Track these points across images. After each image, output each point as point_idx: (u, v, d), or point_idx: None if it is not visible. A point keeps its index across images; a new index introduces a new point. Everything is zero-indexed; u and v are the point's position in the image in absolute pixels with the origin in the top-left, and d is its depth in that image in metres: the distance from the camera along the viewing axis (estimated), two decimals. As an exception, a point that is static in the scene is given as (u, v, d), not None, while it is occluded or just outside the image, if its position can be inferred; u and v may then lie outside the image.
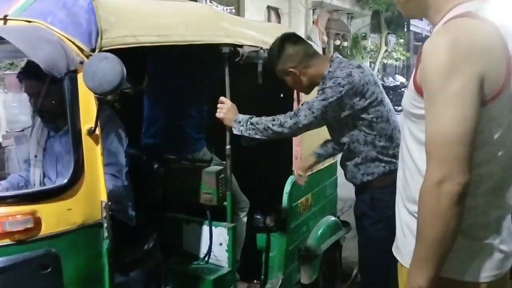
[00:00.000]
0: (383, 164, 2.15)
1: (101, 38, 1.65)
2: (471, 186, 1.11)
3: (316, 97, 2.09)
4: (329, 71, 2.14)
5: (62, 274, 1.57)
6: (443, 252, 1.11)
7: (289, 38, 2.23)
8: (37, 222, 1.52)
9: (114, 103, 3.01)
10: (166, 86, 2.67)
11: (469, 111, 1.04)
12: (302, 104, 2.15)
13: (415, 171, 1.24)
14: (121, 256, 2.08)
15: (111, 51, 1.62)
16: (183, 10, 2.17)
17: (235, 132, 2.19)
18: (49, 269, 1.55)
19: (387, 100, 2.18)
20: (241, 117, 2.19)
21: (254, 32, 2.48)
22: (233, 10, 12.83)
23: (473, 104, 1.04)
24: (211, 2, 11.89)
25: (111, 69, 1.51)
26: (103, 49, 1.65)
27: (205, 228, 2.43)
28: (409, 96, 1.23)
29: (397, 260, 1.41)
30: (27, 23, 1.68)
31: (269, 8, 14.66)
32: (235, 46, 2.27)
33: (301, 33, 14.37)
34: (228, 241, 2.36)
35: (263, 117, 2.17)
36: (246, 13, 13.46)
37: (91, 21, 1.64)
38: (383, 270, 2.13)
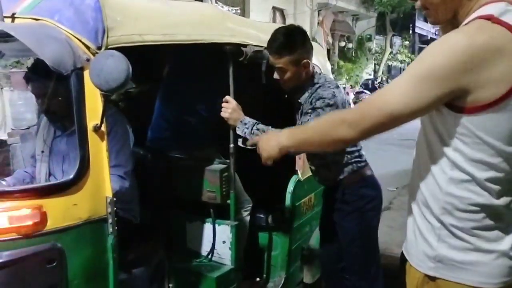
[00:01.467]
0: (351, 165, 2.31)
1: (107, 36, 1.67)
2: (482, 190, 1.15)
3: (310, 115, 2.16)
4: (311, 86, 2.24)
5: (67, 269, 1.59)
6: (307, 146, 1.60)
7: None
8: (43, 217, 1.54)
9: (118, 102, 3.04)
10: (179, 85, 2.69)
11: (418, 104, 1.10)
12: (310, 115, 2.17)
13: (429, 176, 1.26)
14: (125, 253, 2.10)
15: (117, 49, 1.64)
16: (189, 9, 2.19)
17: (238, 132, 2.22)
18: (55, 263, 1.57)
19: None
20: (248, 119, 2.21)
21: (258, 32, 2.49)
22: (239, 11, 12.88)
23: (428, 102, 1.10)
24: (216, 3, 11.94)
25: (117, 67, 1.53)
26: (109, 47, 1.67)
27: (209, 226, 2.45)
28: None
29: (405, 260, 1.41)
30: (34, 21, 1.70)
31: (274, 9, 14.69)
32: (239, 45, 2.29)
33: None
34: (231, 239, 2.38)
35: (270, 127, 2.19)
36: (252, 14, 13.50)
37: (97, 19, 1.65)
38: (363, 254, 2.36)
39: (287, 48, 2.14)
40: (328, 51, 15.96)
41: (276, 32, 2.18)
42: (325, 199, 2.51)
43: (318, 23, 15.94)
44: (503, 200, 1.19)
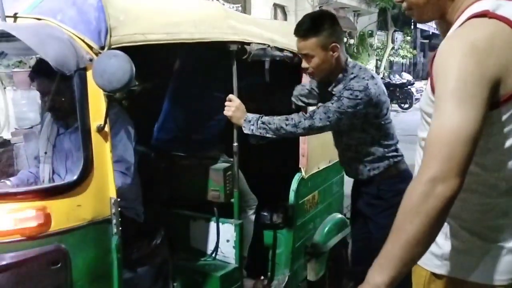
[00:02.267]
0: (387, 159, 2.26)
1: (110, 36, 1.66)
2: (489, 188, 1.13)
3: (332, 103, 2.08)
4: (344, 75, 2.16)
5: (71, 270, 1.59)
6: (413, 254, 1.04)
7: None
8: (47, 218, 1.54)
9: (121, 101, 3.03)
10: (186, 86, 2.67)
11: (479, 114, 1.01)
12: (318, 107, 2.14)
13: None
14: (129, 252, 2.10)
15: (121, 49, 1.63)
16: (191, 8, 2.18)
17: (245, 131, 2.18)
18: (59, 265, 1.56)
19: (388, 101, 2.25)
20: (251, 116, 2.17)
21: (261, 29, 2.48)
22: (240, 8, 12.83)
23: (483, 108, 1.01)
24: (218, 0, 11.89)
25: (120, 67, 1.51)
26: (112, 46, 1.66)
27: (213, 225, 2.45)
28: (425, 97, 1.21)
29: None
30: (37, 20, 1.69)
31: (275, 5, 14.64)
32: (242, 43, 2.28)
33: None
34: (235, 238, 2.37)
35: (275, 117, 2.15)
36: (253, 11, 13.44)
37: (100, 19, 1.65)
38: None
39: (313, 30, 2.05)
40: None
41: (304, 16, 2.15)
42: (357, 194, 2.41)
43: (319, 19, 15.92)
44: (506, 199, 1.17)
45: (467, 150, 0.99)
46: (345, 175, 2.62)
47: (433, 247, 1.22)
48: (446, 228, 1.23)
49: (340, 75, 2.17)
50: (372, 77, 2.13)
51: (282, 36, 2.60)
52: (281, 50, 2.55)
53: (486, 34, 1.03)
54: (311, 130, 2.14)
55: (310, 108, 2.42)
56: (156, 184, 2.50)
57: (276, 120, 2.13)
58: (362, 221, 2.41)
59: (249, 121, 2.16)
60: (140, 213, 2.29)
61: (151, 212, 2.42)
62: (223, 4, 12.18)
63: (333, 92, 2.18)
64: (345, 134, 2.27)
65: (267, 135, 2.15)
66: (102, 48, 1.65)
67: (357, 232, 2.54)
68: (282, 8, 14.90)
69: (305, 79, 2.57)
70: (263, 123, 2.14)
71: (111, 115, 1.77)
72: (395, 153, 2.26)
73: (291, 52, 2.60)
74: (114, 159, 1.82)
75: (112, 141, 1.78)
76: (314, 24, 2.07)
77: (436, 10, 1.20)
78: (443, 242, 1.24)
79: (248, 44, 2.30)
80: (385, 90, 2.20)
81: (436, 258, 1.25)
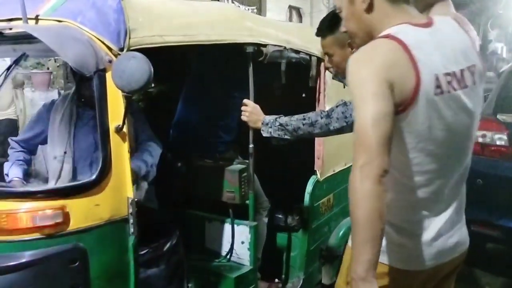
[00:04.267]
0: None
1: (129, 38, 1.68)
2: (402, 186, 1.31)
3: (351, 102, 1.99)
4: None
5: (89, 268, 1.61)
6: (373, 233, 1.15)
7: None
8: (66, 217, 1.56)
9: (138, 102, 3.06)
10: (201, 88, 2.67)
11: (384, 107, 1.17)
12: (337, 106, 2.06)
13: None
14: (145, 252, 2.12)
15: (139, 50, 1.65)
16: (208, 10, 2.19)
17: (264, 134, 2.11)
18: (77, 263, 1.58)
19: None
20: (268, 118, 2.10)
21: (277, 31, 2.48)
22: (255, 10, 12.85)
23: (386, 100, 1.18)
24: (233, 2, 11.93)
25: (139, 68, 1.53)
26: (131, 48, 1.68)
27: (227, 226, 2.45)
28: None
29: None
30: (57, 22, 1.71)
31: (290, 7, 14.62)
32: (259, 45, 2.28)
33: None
34: (250, 240, 2.37)
35: (293, 116, 2.09)
36: (268, 13, 13.45)
37: (119, 21, 1.66)
38: None
39: (329, 28, 2.03)
40: (345, 49, 15.82)
41: (325, 15, 2.11)
42: None
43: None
44: (426, 195, 1.34)
45: (377, 131, 1.16)
46: None
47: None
48: None
49: None
50: None
51: (298, 38, 2.60)
52: (297, 52, 2.54)
53: (382, 50, 1.24)
54: (329, 131, 2.05)
55: (328, 107, 2.39)
56: (172, 184, 2.52)
57: (294, 121, 2.06)
58: None
59: (267, 124, 2.09)
60: (154, 202, 2.33)
61: (167, 213, 2.44)
62: (239, 6, 12.23)
63: None
64: None
65: (285, 137, 2.08)
66: (121, 49, 1.67)
67: None
68: (298, 10, 14.88)
69: (328, 77, 2.57)
70: (280, 124, 2.07)
71: (131, 113, 1.83)
72: None
73: (307, 54, 2.60)
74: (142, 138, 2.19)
75: (138, 134, 2.07)
76: (330, 23, 2.04)
77: (367, 36, 1.36)
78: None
79: (265, 46, 2.30)
80: None
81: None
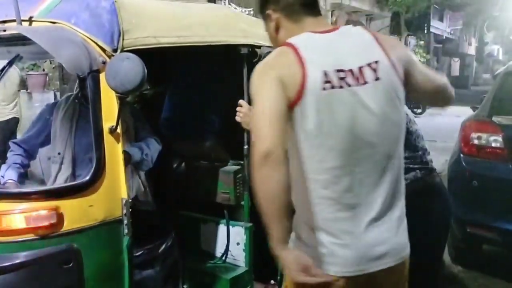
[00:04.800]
0: (413, 171, 2.12)
1: (123, 39, 1.69)
2: (320, 184, 1.32)
3: None
4: None
5: (83, 269, 1.61)
6: (274, 212, 1.25)
7: None
8: (60, 218, 1.57)
9: (133, 104, 3.06)
10: (191, 88, 2.69)
11: (273, 100, 1.29)
12: None
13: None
14: (139, 253, 2.12)
15: (133, 51, 1.65)
16: (202, 11, 2.20)
17: None
18: (71, 264, 1.59)
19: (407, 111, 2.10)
20: None
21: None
22: (252, 12, 12.88)
23: (276, 97, 1.29)
24: (230, 4, 11.95)
25: (133, 69, 1.54)
26: (125, 49, 1.69)
27: (223, 228, 2.45)
28: None
29: None
30: (51, 24, 1.72)
31: (287, 10, 14.64)
32: (253, 47, 2.29)
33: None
34: (245, 241, 2.38)
35: None
36: (265, 15, 13.45)
37: (113, 22, 1.68)
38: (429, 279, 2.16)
39: None
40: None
41: None
42: None
43: (331, 23, 15.89)
44: (338, 195, 1.33)
45: (266, 122, 1.27)
46: None
47: (292, 242, 1.40)
48: (295, 224, 1.38)
49: None
50: None
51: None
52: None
53: (275, 54, 1.38)
54: None
55: None
56: (167, 185, 2.52)
57: None
58: None
59: None
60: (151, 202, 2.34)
61: (163, 214, 2.44)
62: (235, 9, 12.24)
63: None
64: None
65: None
66: (115, 50, 1.68)
67: None
68: (294, 13, 14.91)
69: None
70: None
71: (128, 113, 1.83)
72: (420, 166, 2.12)
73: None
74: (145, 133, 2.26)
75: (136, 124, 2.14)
76: None
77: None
78: (293, 238, 1.40)
79: (259, 47, 2.31)
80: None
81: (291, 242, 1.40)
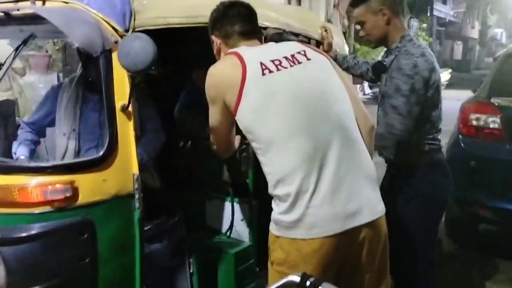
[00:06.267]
0: (423, 145, 2.21)
1: (134, 19, 1.74)
2: (282, 152, 1.53)
3: (393, 99, 2.10)
4: (398, 46, 2.20)
5: (97, 241, 1.69)
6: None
7: None
8: (75, 191, 1.64)
9: (140, 83, 3.11)
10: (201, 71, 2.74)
11: (217, 111, 1.65)
12: (383, 111, 2.17)
13: None
14: (148, 228, 2.20)
15: (143, 31, 1.70)
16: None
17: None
18: (86, 235, 1.66)
19: (438, 82, 2.21)
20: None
21: (277, 14, 2.52)
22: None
23: (218, 108, 1.64)
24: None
25: (144, 49, 1.60)
26: (136, 29, 1.74)
27: (228, 205, 2.52)
28: None
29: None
30: (65, 4, 1.77)
31: (289, -9, 14.52)
32: (260, 28, 2.32)
33: (322, 17, 14.22)
34: (249, 217, 2.45)
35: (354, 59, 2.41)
36: (267, -4, 13.33)
37: (125, 3, 1.72)
38: (423, 249, 2.23)
39: None
40: (344, 33, 15.76)
41: None
42: (388, 178, 2.38)
43: (334, 5, 15.75)
44: (296, 156, 1.51)
45: (214, 132, 1.79)
46: None
47: (272, 214, 1.59)
48: (273, 200, 1.59)
49: (394, 45, 2.23)
50: (423, 55, 2.12)
51: (298, 22, 2.65)
52: (297, 35, 2.59)
53: (222, 63, 1.66)
54: (398, 133, 2.10)
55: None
56: (174, 164, 2.58)
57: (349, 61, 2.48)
58: (392, 209, 2.18)
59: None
60: (156, 178, 2.43)
61: (170, 192, 2.51)
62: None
63: (384, 62, 2.29)
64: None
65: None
66: (127, 30, 1.73)
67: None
68: (297, -6, 14.79)
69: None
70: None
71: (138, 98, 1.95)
72: (431, 141, 2.22)
73: (306, 36, 2.65)
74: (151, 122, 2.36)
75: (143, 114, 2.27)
76: None
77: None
78: (274, 210, 1.58)
79: (265, 28, 2.35)
80: (436, 68, 2.14)
81: (273, 223, 1.59)
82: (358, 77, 2.70)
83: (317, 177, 1.50)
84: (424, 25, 22.11)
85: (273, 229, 1.60)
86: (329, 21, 13.48)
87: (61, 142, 2.30)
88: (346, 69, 2.61)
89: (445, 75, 19.77)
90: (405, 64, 2.10)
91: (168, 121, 2.77)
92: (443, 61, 26.76)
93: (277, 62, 1.59)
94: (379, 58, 2.47)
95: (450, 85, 17.74)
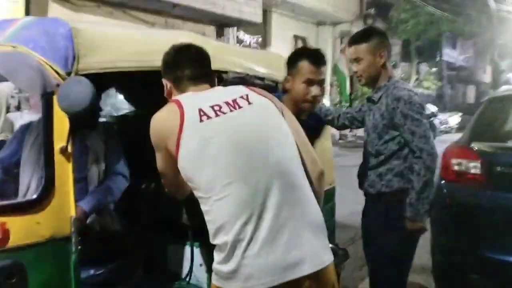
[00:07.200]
0: (404, 181, 2.29)
1: (78, 63, 1.77)
2: (218, 197, 1.49)
3: (414, 126, 2.23)
4: (386, 85, 2.35)
5: (27, 284, 1.64)
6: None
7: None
8: (6, 233, 1.61)
9: (113, 125, 3.15)
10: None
11: (161, 160, 1.68)
12: (412, 141, 2.25)
13: None
14: (100, 272, 2.15)
15: (94, 75, 1.75)
16: (167, 37, 2.28)
17: None
18: (15, 280, 1.62)
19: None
20: None
21: (240, 58, 2.56)
22: (260, 39, 13.11)
23: (161, 155, 1.66)
24: (237, 32, 12.20)
25: (82, 92, 1.63)
26: (80, 73, 1.77)
27: (188, 249, 2.47)
28: None
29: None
30: (12, 48, 1.81)
31: (296, 37, 14.87)
32: (220, 72, 2.35)
33: (328, 62, 14.45)
34: (208, 262, 2.39)
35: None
36: (273, 42, 13.69)
37: (68, 47, 1.76)
38: (395, 279, 2.36)
39: (364, 36, 2.36)
40: (351, 78, 15.95)
41: (361, 29, 2.52)
42: (367, 209, 2.50)
43: (340, 50, 16.02)
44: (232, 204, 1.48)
45: (163, 176, 1.78)
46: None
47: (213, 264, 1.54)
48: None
49: (383, 84, 2.37)
50: (411, 90, 2.34)
51: (264, 66, 2.68)
52: (262, 79, 2.61)
53: (164, 111, 1.64)
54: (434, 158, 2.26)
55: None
56: (136, 206, 2.56)
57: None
58: (371, 240, 2.48)
59: None
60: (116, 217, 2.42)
61: (130, 234, 2.47)
62: (244, 36, 12.48)
63: (373, 98, 2.41)
64: (376, 140, 2.36)
65: None
66: (69, 74, 1.75)
67: (367, 252, 2.58)
68: (303, 39, 15.12)
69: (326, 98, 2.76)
70: None
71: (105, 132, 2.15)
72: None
73: (272, 81, 2.67)
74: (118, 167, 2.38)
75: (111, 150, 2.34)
76: (365, 32, 2.44)
77: None
78: (214, 257, 1.53)
79: (225, 72, 2.37)
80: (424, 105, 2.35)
81: (213, 273, 1.55)
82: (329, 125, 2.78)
83: (255, 225, 1.45)
84: (434, 69, 22.27)
85: (214, 279, 1.55)
86: (335, 66, 13.66)
87: (24, 181, 2.30)
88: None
89: (455, 118, 19.72)
90: (402, 94, 2.26)
91: (134, 162, 2.77)
92: (456, 104, 26.78)
93: (216, 108, 1.58)
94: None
95: (461, 128, 17.63)
